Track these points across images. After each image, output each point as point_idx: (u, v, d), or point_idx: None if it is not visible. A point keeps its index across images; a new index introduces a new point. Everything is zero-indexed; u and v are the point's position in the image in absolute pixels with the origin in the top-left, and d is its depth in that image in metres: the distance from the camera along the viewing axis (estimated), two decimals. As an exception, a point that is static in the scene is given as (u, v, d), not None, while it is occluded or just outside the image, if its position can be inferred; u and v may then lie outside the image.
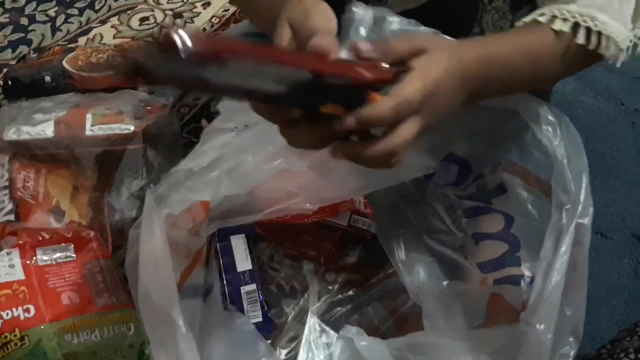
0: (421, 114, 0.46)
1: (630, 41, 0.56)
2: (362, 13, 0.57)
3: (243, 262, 0.75)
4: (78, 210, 0.77)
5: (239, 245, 0.75)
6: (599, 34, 0.54)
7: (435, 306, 0.65)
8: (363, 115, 0.43)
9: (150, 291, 0.52)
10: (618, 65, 0.56)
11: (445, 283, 0.70)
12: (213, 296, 0.66)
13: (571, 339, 0.57)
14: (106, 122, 0.81)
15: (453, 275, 0.71)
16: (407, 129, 0.45)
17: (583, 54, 0.55)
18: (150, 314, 0.52)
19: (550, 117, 0.59)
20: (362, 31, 0.57)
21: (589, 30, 0.54)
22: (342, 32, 0.58)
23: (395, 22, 0.58)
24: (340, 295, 0.77)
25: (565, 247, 0.55)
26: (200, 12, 1.28)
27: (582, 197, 0.56)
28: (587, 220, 0.56)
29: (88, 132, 0.79)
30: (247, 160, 0.62)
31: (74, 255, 0.66)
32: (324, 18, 0.49)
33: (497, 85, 0.54)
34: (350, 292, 0.78)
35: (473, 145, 0.66)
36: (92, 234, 0.70)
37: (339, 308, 0.76)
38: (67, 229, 0.70)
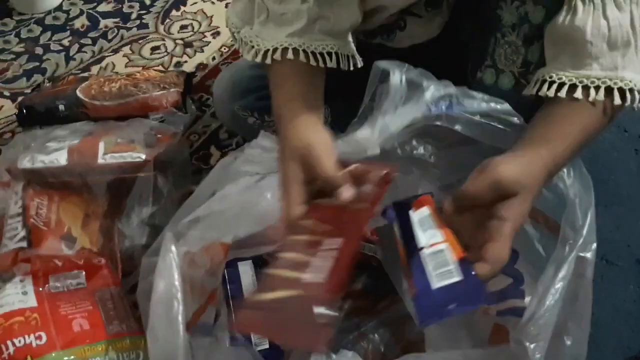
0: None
1: None
2: (396, 82, 0.61)
3: (250, 288, 0.76)
4: (89, 237, 0.79)
5: (246, 272, 0.76)
6: (631, 90, 0.57)
7: (439, 335, 0.66)
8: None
9: (159, 331, 0.53)
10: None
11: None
12: (219, 326, 0.67)
13: None
14: (118, 150, 0.83)
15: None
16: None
17: (616, 110, 0.59)
18: (157, 352, 0.53)
19: None
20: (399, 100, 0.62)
21: (621, 90, 0.57)
22: (369, 83, 0.63)
23: (429, 87, 0.62)
24: (346, 322, 0.77)
25: (563, 273, 0.57)
26: (210, 42, 1.31)
27: (585, 231, 0.58)
28: (590, 255, 0.58)
29: (100, 161, 0.81)
30: (266, 198, 0.65)
31: (85, 282, 0.67)
32: (327, 154, 0.57)
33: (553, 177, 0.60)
34: (357, 319, 0.78)
35: None
36: (102, 261, 0.71)
37: (345, 335, 0.76)
38: (79, 256, 0.72)
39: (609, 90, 0.57)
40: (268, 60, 0.66)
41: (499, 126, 0.63)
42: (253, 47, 0.67)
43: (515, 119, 0.63)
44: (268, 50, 0.65)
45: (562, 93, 0.58)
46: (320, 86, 0.67)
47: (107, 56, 1.28)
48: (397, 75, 0.63)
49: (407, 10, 0.73)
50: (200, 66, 1.24)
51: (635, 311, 0.86)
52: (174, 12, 1.39)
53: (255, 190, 0.68)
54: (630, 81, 0.57)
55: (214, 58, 1.26)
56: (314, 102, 0.65)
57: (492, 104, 0.64)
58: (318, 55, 0.65)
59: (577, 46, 0.58)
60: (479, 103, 0.65)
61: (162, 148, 0.87)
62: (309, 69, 0.65)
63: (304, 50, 0.64)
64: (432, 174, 0.69)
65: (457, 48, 0.75)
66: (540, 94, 0.60)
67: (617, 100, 0.57)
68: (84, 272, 0.69)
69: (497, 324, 0.66)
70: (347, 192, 0.55)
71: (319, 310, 0.47)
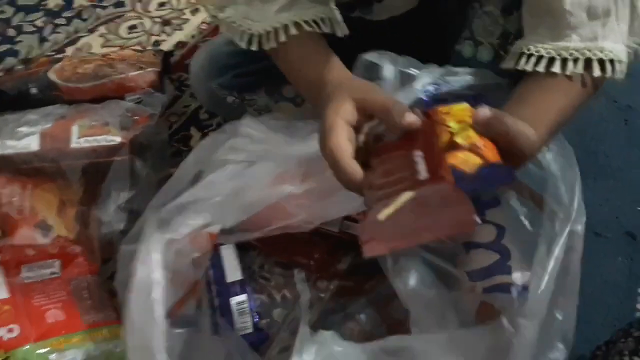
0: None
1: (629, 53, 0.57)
2: (390, 76, 0.61)
3: (233, 272, 0.75)
4: (65, 225, 0.76)
5: (228, 255, 0.75)
6: (611, 61, 0.55)
7: (424, 313, 0.65)
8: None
9: (137, 320, 0.52)
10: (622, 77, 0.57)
11: (433, 291, 0.69)
12: (201, 315, 0.65)
13: (561, 345, 0.57)
14: (92, 133, 0.80)
15: (443, 283, 0.70)
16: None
17: (598, 82, 0.57)
18: (134, 342, 0.52)
19: None
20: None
21: (601, 61, 0.55)
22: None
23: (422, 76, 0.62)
24: (332, 304, 0.76)
25: (558, 251, 0.57)
26: (189, 19, 1.27)
27: (575, 206, 0.58)
28: (579, 228, 0.58)
29: (74, 145, 0.78)
30: (253, 186, 0.64)
31: (59, 271, 0.65)
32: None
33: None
34: (343, 300, 0.77)
35: None
36: (78, 249, 0.69)
37: (332, 316, 0.75)
38: (53, 245, 0.70)
39: (588, 62, 0.55)
40: (266, 47, 0.63)
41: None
42: (244, 31, 0.63)
43: (500, 81, 0.63)
44: (261, 34, 0.62)
45: (540, 67, 0.56)
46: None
47: (83, 36, 1.24)
48: (389, 69, 0.62)
49: None
50: (179, 44, 1.21)
51: (624, 283, 0.86)
52: (151, -11, 1.35)
53: (243, 178, 0.67)
54: (610, 51, 0.55)
55: (193, 36, 1.23)
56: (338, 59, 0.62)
57: (476, 76, 0.64)
58: (312, 23, 0.62)
59: (556, 16, 0.55)
60: (463, 77, 0.64)
61: (138, 130, 0.85)
62: (312, 37, 0.63)
63: (296, 23, 0.61)
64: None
65: (436, 20, 0.72)
66: (518, 67, 0.58)
67: (597, 72, 0.55)
68: (58, 262, 0.67)
69: (483, 302, 0.65)
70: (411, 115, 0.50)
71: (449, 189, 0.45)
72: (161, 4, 1.31)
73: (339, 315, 0.75)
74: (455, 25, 0.69)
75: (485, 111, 0.49)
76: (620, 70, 0.56)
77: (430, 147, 0.49)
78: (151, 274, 0.54)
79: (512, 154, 0.50)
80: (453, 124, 0.49)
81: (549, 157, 0.61)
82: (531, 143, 0.50)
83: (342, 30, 0.64)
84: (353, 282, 0.78)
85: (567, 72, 0.55)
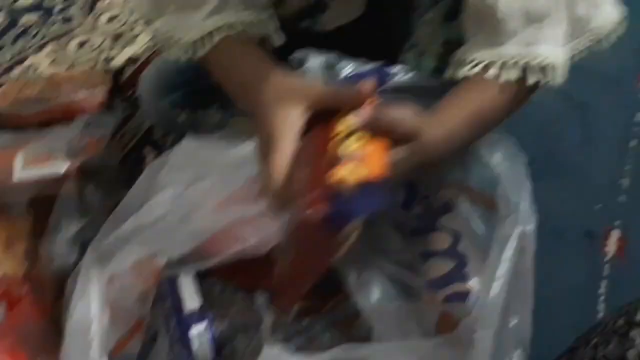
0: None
1: (567, 55, 0.57)
2: (313, 62, 0.59)
3: (191, 300, 0.73)
4: (13, 262, 0.74)
5: (186, 283, 0.73)
6: (545, 66, 0.54)
7: (386, 327, 0.64)
8: None
9: None
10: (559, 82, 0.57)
11: (396, 304, 0.68)
12: (157, 348, 0.63)
13: (518, 351, 0.57)
14: (37, 164, 0.77)
15: (405, 295, 0.69)
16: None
17: (533, 87, 0.56)
18: None
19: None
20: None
21: (536, 66, 0.54)
22: None
23: (346, 67, 0.60)
24: (295, 326, 0.75)
25: (507, 253, 0.56)
26: (140, 33, 1.24)
27: (523, 206, 0.57)
28: (529, 229, 0.57)
29: (18, 177, 0.75)
30: (199, 211, 0.62)
31: (4, 317, 0.63)
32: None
33: (449, 154, 0.57)
34: (306, 321, 0.75)
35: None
36: (25, 289, 0.66)
37: (295, 339, 0.74)
38: (-1, 285, 0.67)
39: (524, 68, 0.54)
40: (198, 55, 0.61)
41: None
42: (175, 42, 0.62)
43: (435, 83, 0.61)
44: (191, 43, 0.60)
45: (475, 71, 0.55)
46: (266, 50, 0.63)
47: (30, 56, 1.20)
48: (313, 60, 0.60)
49: None
50: (131, 60, 1.18)
51: (585, 284, 0.86)
52: (100, 3, 1.31)
53: (186, 201, 0.65)
54: (547, 57, 0.54)
55: (145, 50, 1.20)
56: (274, 60, 0.60)
57: (412, 76, 0.62)
58: (240, 27, 0.60)
59: (493, 23, 0.55)
60: (400, 77, 0.62)
61: (88, 156, 0.82)
62: (242, 41, 0.61)
63: (224, 27, 0.59)
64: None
65: (382, 29, 0.72)
66: (458, 75, 0.57)
67: (532, 78, 0.54)
68: (4, 304, 0.64)
69: (443, 312, 0.65)
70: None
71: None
72: (111, 18, 1.27)
73: (303, 338, 0.74)
74: (400, 33, 0.69)
75: (365, 111, 0.50)
76: (558, 75, 0.55)
77: (316, 165, 0.48)
78: (88, 313, 0.52)
79: (403, 142, 0.50)
80: (343, 128, 0.48)
81: (497, 159, 0.60)
82: (412, 124, 0.51)
83: (277, 39, 0.63)
84: (315, 302, 0.77)
85: (503, 79, 0.54)
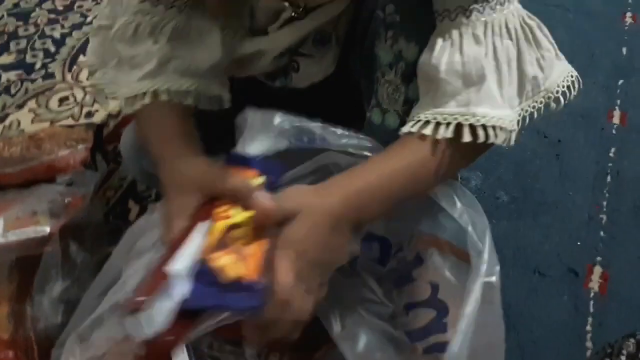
0: (309, 284, 0.53)
1: (519, 115, 0.57)
2: (252, 116, 0.59)
3: (180, 356, 0.72)
4: (-3, 325, 0.72)
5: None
6: (484, 127, 0.55)
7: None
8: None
9: None
10: (512, 144, 0.57)
11: (379, 355, 0.68)
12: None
13: None
14: (19, 225, 0.77)
15: (388, 346, 0.69)
16: (300, 306, 0.53)
17: (473, 148, 0.57)
18: None
19: (444, 186, 0.60)
20: (253, 132, 0.60)
21: (472, 126, 0.55)
22: (237, 133, 0.60)
23: (284, 120, 0.60)
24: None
25: (469, 307, 0.54)
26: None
27: (486, 256, 0.56)
28: (494, 279, 0.56)
29: (0, 240, 0.75)
30: None
31: (-11, 384, 0.62)
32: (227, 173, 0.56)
33: (375, 210, 0.57)
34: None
35: (388, 223, 0.66)
36: (10, 354, 0.65)
37: (285, 392, 0.73)
38: (-18, 351, 0.66)
39: (458, 127, 0.55)
40: (128, 110, 0.64)
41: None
42: (108, 95, 0.66)
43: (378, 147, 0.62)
44: (127, 98, 0.63)
45: (415, 129, 0.56)
46: (191, 120, 0.65)
47: (11, 113, 1.20)
48: (253, 113, 0.61)
49: (297, 51, 0.71)
50: (112, 115, 1.19)
51: (571, 322, 0.87)
52: (81, 58, 1.33)
53: (153, 266, 0.64)
54: (483, 117, 0.55)
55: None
56: (192, 137, 0.63)
57: (355, 140, 0.62)
58: (173, 94, 0.63)
59: (435, 84, 0.56)
60: (341, 139, 0.62)
61: (71, 214, 0.82)
62: (174, 107, 0.63)
63: (154, 92, 0.62)
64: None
65: (351, 87, 0.73)
66: (404, 131, 0.58)
67: (467, 137, 0.55)
68: (-13, 372, 0.63)
69: (425, 363, 0.65)
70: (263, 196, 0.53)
71: None
72: (92, 73, 1.29)
73: (293, 391, 0.74)
74: (366, 92, 0.70)
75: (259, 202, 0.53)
76: (495, 135, 0.55)
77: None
78: None
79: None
80: (235, 213, 0.53)
81: (458, 210, 0.60)
82: (291, 205, 0.53)
83: (226, 102, 0.67)
84: (304, 353, 0.76)
85: (438, 136, 0.55)
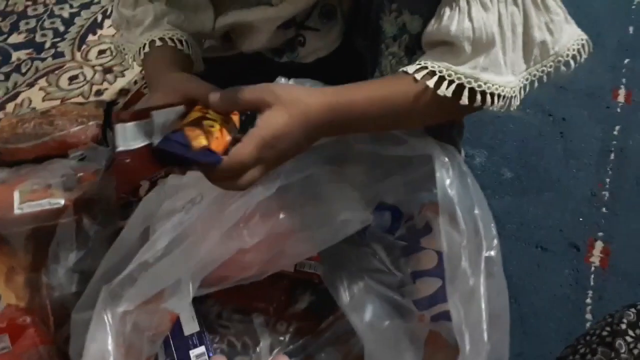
0: (262, 163, 0.54)
1: (527, 79, 0.58)
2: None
3: (190, 324, 0.74)
4: (15, 293, 0.75)
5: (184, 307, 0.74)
6: (483, 93, 0.56)
7: (377, 347, 0.66)
8: (211, 176, 0.54)
9: None
10: (511, 110, 0.58)
11: (387, 323, 0.70)
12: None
13: None
14: (35, 198, 0.79)
15: (396, 315, 0.71)
16: (250, 176, 0.54)
17: (458, 108, 0.58)
18: None
19: (444, 159, 0.61)
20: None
21: (472, 90, 0.56)
22: None
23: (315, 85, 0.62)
24: (292, 346, 0.77)
25: (473, 281, 0.57)
26: (131, 66, 1.26)
27: (482, 232, 0.58)
28: (494, 254, 0.58)
29: (17, 211, 0.77)
30: (202, 245, 0.63)
31: (10, 345, 0.64)
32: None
33: (345, 127, 0.58)
34: (302, 341, 0.77)
35: (400, 192, 0.68)
36: (28, 319, 0.68)
37: (293, 358, 0.75)
38: (2, 317, 0.68)
39: (461, 88, 0.56)
40: (138, 63, 0.72)
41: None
42: (126, 52, 0.74)
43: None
44: (135, 54, 0.71)
45: (419, 75, 0.57)
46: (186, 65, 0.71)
47: (22, 91, 1.22)
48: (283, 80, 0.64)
49: (303, 25, 0.72)
50: (122, 92, 1.20)
51: (572, 295, 0.89)
52: (90, 37, 1.34)
53: (183, 226, 0.66)
54: (485, 83, 0.56)
55: (136, 82, 1.23)
56: (183, 67, 0.69)
57: None
58: (168, 40, 0.70)
59: (444, 45, 0.57)
60: None
61: (84, 188, 0.84)
62: (169, 50, 0.70)
63: (152, 42, 0.69)
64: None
65: (356, 61, 0.74)
66: (406, 71, 0.58)
67: (464, 100, 0.56)
68: (7, 335, 0.65)
69: (431, 331, 0.67)
70: (214, 96, 0.56)
71: None
72: (101, 52, 1.30)
73: (300, 357, 0.76)
74: (369, 65, 0.72)
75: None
76: (492, 102, 0.56)
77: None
78: (104, 352, 0.53)
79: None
80: (212, 114, 0.56)
81: (447, 183, 0.61)
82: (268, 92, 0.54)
83: (198, 68, 0.73)
84: (311, 322, 0.79)
85: (439, 92, 0.56)
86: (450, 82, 0.56)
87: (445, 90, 0.56)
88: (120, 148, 0.54)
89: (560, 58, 0.59)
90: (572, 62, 0.60)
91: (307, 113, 0.54)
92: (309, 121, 0.54)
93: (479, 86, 0.55)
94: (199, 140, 0.53)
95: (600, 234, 0.96)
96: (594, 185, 1.03)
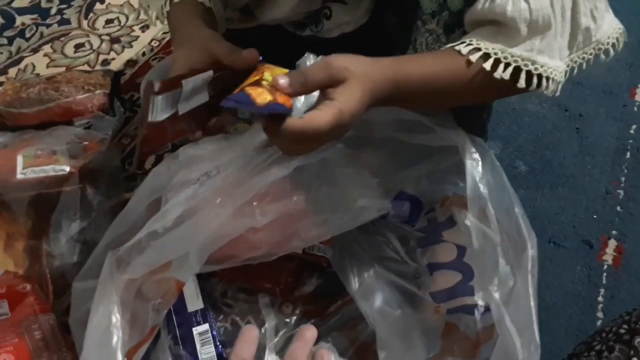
0: (330, 136, 0.52)
1: (568, 66, 0.58)
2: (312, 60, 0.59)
3: (194, 301, 0.72)
4: (14, 260, 0.72)
5: (188, 284, 0.72)
6: (539, 76, 0.55)
7: (390, 335, 0.64)
8: (279, 134, 0.52)
9: None
10: (557, 95, 0.57)
11: (399, 312, 0.68)
12: (160, 346, 0.62)
13: None
14: (39, 163, 0.76)
15: (407, 304, 0.70)
16: (316, 144, 0.54)
17: (509, 88, 0.56)
18: None
19: (474, 152, 0.60)
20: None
21: (529, 73, 0.55)
22: None
23: None
24: (297, 329, 0.75)
25: (517, 281, 0.56)
26: (138, 36, 1.23)
27: (525, 232, 0.57)
28: (532, 253, 0.57)
29: (19, 176, 0.74)
30: (212, 220, 0.61)
31: (9, 312, 0.62)
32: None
33: (397, 101, 0.57)
34: (309, 324, 0.75)
35: (422, 183, 0.66)
36: (28, 287, 0.65)
37: (297, 342, 0.73)
38: (1, 283, 0.66)
39: (518, 71, 0.55)
40: (162, 20, 0.69)
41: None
42: (155, 10, 0.70)
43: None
44: (158, 10, 0.69)
45: (473, 57, 0.55)
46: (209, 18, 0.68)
47: (26, 56, 1.19)
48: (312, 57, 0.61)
49: None
50: (130, 63, 1.17)
51: (584, 292, 0.87)
52: (98, 5, 1.31)
53: (197, 199, 0.64)
54: (541, 66, 0.55)
55: (144, 53, 1.20)
56: (207, 21, 0.66)
57: None
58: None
59: (499, 24, 0.55)
60: None
61: (89, 157, 0.81)
62: (192, 5, 0.66)
63: None
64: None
65: (384, 38, 0.72)
66: (455, 47, 0.56)
67: (522, 83, 0.55)
68: (6, 302, 0.62)
69: (448, 322, 0.65)
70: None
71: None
72: (109, 21, 1.27)
73: (305, 341, 0.74)
74: (400, 42, 0.69)
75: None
76: (546, 86, 0.56)
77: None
78: (110, 316, 0.51)
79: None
80: (267, 75, 0.55)
81: (478, 179, 0.60)
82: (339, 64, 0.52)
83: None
84: (318, 305, 0.77)
85: (496, 75, 0.55)
86: (507, 65, 0.54)
87: (502, 73, 0.54)
88: (151, 119, 0.53)
89: (600, 46, 0.59)
90: (611, 50, 0.59)
91: (373, 89, 0.53)
92: (374, 96, 0.53)
93: (536, 69, 0.54)
94: (264, 97, 0.51)
95: (614, 232, 0.95)
96: (608, 183, 1.01)
